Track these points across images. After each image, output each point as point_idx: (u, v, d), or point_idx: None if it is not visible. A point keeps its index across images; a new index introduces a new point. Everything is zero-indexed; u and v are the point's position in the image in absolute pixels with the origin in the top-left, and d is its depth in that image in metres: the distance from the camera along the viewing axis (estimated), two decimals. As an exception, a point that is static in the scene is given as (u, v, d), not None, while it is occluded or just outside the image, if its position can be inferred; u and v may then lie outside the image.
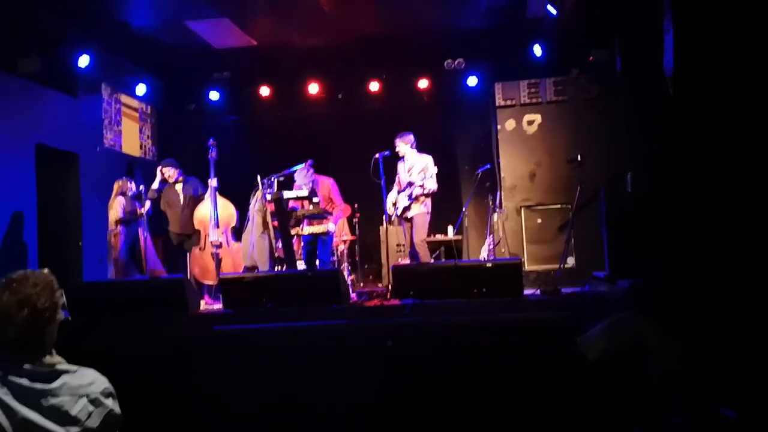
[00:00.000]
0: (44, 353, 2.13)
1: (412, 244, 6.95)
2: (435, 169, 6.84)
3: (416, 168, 6.85)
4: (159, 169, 7.37)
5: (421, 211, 6.84)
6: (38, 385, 2.05)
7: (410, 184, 6.86)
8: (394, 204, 7.02)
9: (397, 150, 6.97)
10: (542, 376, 3.93)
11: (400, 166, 7.06)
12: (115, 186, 7.23)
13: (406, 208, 6.89)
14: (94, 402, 2.11)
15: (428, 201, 6.87)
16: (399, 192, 7.01)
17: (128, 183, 7.06)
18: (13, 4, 6.55)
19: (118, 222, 6.95)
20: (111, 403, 2.17)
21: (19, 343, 2.07)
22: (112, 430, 2.20)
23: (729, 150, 4.03)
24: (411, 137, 7.01)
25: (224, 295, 4.90)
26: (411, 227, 6.94)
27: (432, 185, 6.78)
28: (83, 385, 2.12)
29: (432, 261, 7.12)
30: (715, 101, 4.16)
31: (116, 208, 6.98)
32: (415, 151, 7.01)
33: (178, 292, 4.78)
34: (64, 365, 2.15)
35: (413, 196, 6.80)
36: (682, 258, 4.15)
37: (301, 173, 6.84)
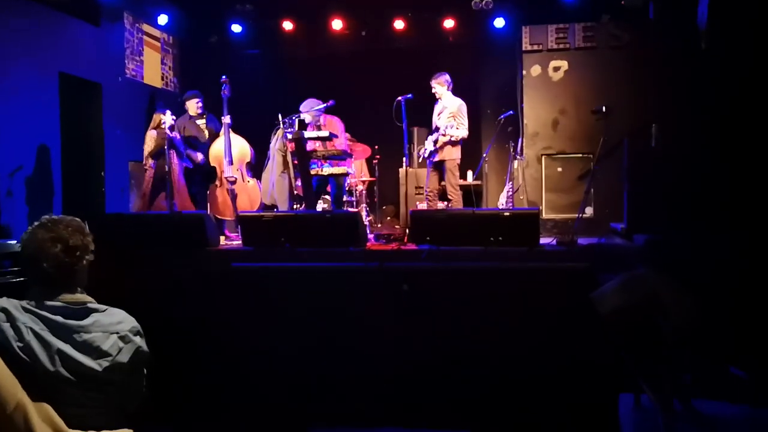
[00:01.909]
0: (74, 290, 2.25)
1: (443, 189, 6.92)
2: (466, 117, 6.74)
3: (446, 113, 6.75)
4: (190, 102, 7.32)
5: (449, 157, 6.77)
6: (71, 322, 2.17)
7: (437, 128, 6.79)
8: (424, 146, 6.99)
9: (433, 91, 6.86)
10: (553, 326, 3.99)
11: (436, 108, 6.97)
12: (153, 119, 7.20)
13: (433, 153, 6.84)
14: (124, 339, 2.23)
15: (457, 148, 6.79)
16: (429, 134, 6.96)
17: (162, 116, 6.96)
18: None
19: (148, 155, 6.95)
20: (139, 341, 2.28)
21: (52, 277, 2.19)
22: (141, 366, 2.32)
23: (761, 107, 3.95)
24: (447, 77, 6.87)
25: (243, 232, 4.96)
26: (440, 173, 6.91)
27: (457, 133, 6.65)
28: (113, 323, 2.24)
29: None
30: (749, 56, 4.05)
31: (147, 142, 6.96)
32: (451, 93, 6.89)
33: (198, 228, 4.84)
34: (94, 304, 2.26)
35: (437, 142, 6.74)
36: (703, 216, 4.13)
37: (308, 104, 6.69)
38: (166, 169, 6.61)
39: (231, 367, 4.30)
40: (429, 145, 6.88)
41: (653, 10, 6.15)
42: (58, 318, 2.16)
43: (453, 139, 6.65)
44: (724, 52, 4.15)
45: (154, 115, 7.08)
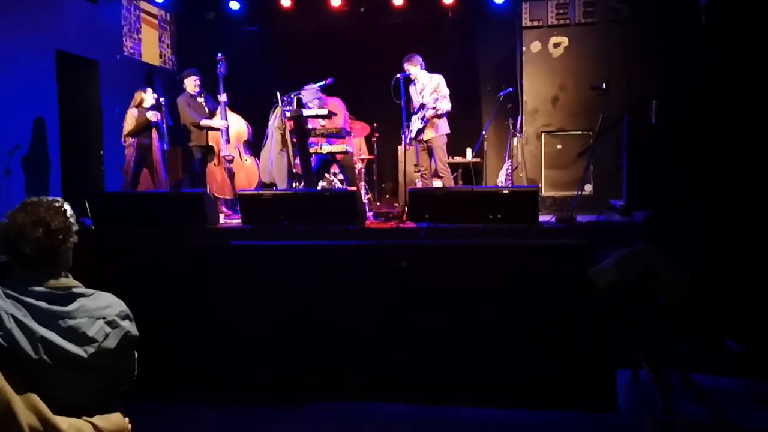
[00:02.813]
0: (58, 275, 2.17)
1: (435, 169, 6.91)
2: (447, 89, 6.73)
3: (428, 89, 6.73)
4: (188, 80, 7.25)
5: (437, 133, 6.76)
6: (56, 308, 2.10)
7: (422, 106, 6.77)
8: (409, 127, 6.96)
9: (408, 74, 6.84)
10: (552, 303, 4.01)
11: (412, 89, 6.94)
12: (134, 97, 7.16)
13: (420, 131, 6.82)
14: (111, 324, 2.16)
15: (444, 122, 6.77)
16: (412, 115, 6.93)
17: (143, 94, 6.93)
18: None
19: (128, 134, 6.89)
20: (128, 325, 2.21)
21: (34, 261, 2.11)
22: (130, 350, 2.27)
23: (760, 82, 3.94)
24: (419, 58, 6.87)
25: (243, 211, 4.98)
26: (429, 150, 6.89)
27: (444, 106, 6.65)
28: (100, 308, 2.17)
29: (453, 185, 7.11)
30: (749, 33, 4.03)
31: (128, 120, 6.90)
32: (426, 72, 6.88)
33: (197, 206, 4.85)
34: (80, 289, 2.19)
35: (426, 118, 6.72)
36: (700, 192, 4.14)
37: (310, 91, 6.69)
38: (151, 147, 6.63)
39: (228, 343, 4.33)
40: (416, 124, 6.85)
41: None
42: (42, 304, 2.08)
43: (440, 112, 6.65)
44: (724, 28, 4.13)
45: (135, 94, 6.98)
